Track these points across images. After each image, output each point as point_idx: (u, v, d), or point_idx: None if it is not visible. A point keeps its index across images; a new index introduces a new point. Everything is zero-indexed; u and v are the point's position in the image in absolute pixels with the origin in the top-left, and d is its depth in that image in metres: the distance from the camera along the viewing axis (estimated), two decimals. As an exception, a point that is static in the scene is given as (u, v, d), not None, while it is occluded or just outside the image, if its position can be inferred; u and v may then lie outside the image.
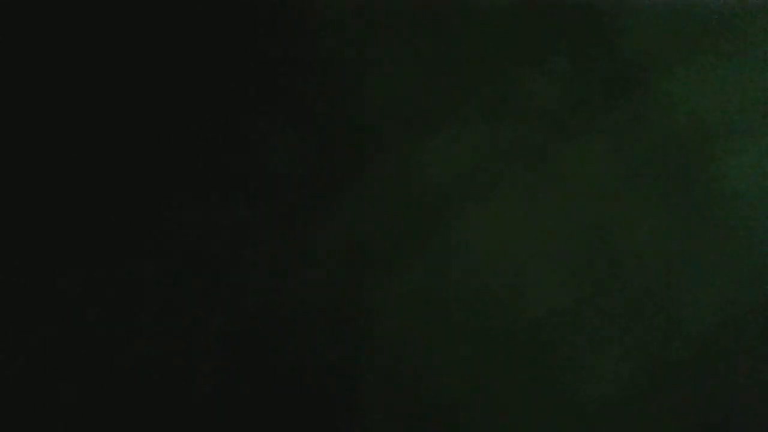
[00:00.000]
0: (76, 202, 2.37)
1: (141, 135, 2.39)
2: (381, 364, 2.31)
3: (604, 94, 2.36)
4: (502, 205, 2.34)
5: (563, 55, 2.37)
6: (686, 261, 2.30)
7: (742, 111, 2.34)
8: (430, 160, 2.35)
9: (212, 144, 2.38)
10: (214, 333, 2.33)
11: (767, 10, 2.36)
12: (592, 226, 2.33)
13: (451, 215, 2.34)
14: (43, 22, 2.41)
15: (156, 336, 2.33)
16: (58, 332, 2.33)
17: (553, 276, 2.31)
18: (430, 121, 2.37)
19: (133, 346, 2.33)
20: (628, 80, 2.36)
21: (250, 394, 2.31)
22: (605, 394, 2.28)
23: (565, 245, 2.32)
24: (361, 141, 2.37)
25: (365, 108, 2.38)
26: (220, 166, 2.37)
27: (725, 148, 2.33)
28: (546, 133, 2.36)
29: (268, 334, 2.33)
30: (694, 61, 2.36)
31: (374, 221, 2.35)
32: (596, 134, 2.35)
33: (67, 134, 2.39)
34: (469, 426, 2.29)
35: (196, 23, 2.40)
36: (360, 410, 2.30)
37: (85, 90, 2.40)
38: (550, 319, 2.30)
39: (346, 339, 2.32)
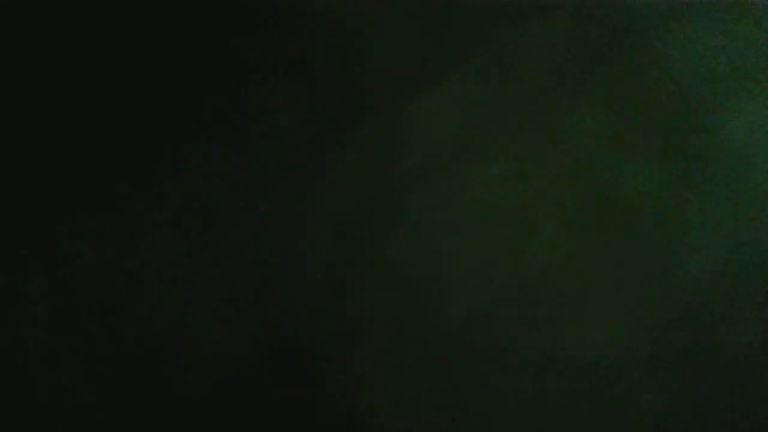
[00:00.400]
0: (79, 149, 2.37)
1: (147, 89, 2.39)
2: (376, 318, 2.30)
3: (601, 49, 2.36)
4: (500, 158, 2.33)
5: (561, 12, 2.37)
6: (683, 213, 2.29)
7: (740, 67, 2.34)
8: (428, 116, 2.35)
9: (213, 98, 2.38)
10: (211, 285, 2.32)
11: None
12: (588, 180, 2.32)
13: (448, 171, 2.34)
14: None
15: (150, 286, 2.32)
16: (55, 280, 2.33)
17: (549, 230, 2.31)
18: (427, 77, 2.37)
19: (126, 296, 2.32)
20: (625, 35, 2.36)
21: (240, 350, 2.30)
22: (604, 346, 2.27)
23: (562, 199, 2.32)
24: (359, 97, 2.37)
25: (363, 64, 2.37)
26: (220, 119, 2.37)
27: (722, 102, 2.33)
28: (542, 88, 2.35)
29: (266, 285, 2.32)
30: (691, 18, 2.36)
31: (370, 178, 2.35)
32: (592, 89, 2.35)
33: (74, 81, 2.39)
34: (463, 382, 2.27)
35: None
36: (352, 369, 2.29)
37: (95, 44, 2.40)
38: (547, 272, 2.29)
39: (343, 293, 2.31)
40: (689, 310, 2.27)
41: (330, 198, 2.34)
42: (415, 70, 2.37)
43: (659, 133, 2.32)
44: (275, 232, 2.33)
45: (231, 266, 2.33)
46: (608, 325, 2.27)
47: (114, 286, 2.32)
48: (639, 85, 2.34)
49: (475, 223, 2.31)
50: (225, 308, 2.31)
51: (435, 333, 2.28)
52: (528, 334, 2.28)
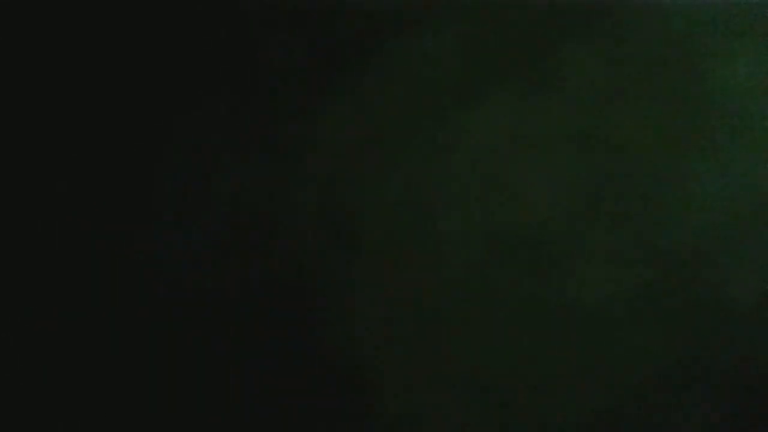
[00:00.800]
0: (100, 95, 2.38)
1: (145, 33, 2.39)
2: (373, 263, 2.30)
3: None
4: (500, 104, 2.33)
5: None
6: (684, 160, 2.29)
7: (739, 11, 2.33)
8: (427, 59, 2.35)
9: (213, 41, 2.38)
10: (209, 224, 2.33)
11: None
12: (589, 127, 2.32)
13: (447, 115, 2.33)
14: None
15: (151, 226, 2.33)
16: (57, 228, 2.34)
17: (550, 177, 2.30)
18: (425, 21, 2.36)
19: (124, 238, 2.33)
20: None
21: (237, 289, 2.31)
22: (604, 292, 2.26)
23: (563, 146, 2.31)
24: (357, 39, 2.36)
25: (361, 7, 2.37)
26: (218, 60, 2.37)
27: (721, 47, 2.32)
28: (544, 36, 2.35)
29: (262, 226, 2.32)
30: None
31: (367, 121, 2.35)
32: (592, 37, 2.34)
33: (77, 34, 2.40)
34: (461, 327, 2.28)
35: None
36: (348, 313, 2.29)
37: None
38: (548, 219, 2.29)
39: (339, 238, 2.31)
40: (690, 257, 2.27)
41: (326, 141, 2.34)
42: (414, 12, 2.36)
43: (659, 79, 2.32)
44: (272, 174, 2.34)
45: (227, 207, 2.33)
46: (608, 272, 2.27)
47: (113, 228, 2.33)
48: (639, 34, 2.34)
49: (475, 168, 2.31)
50: (222, 248, 2.32)
51: (433, 278, 2.28)
52: (527, 280, 2.27)
